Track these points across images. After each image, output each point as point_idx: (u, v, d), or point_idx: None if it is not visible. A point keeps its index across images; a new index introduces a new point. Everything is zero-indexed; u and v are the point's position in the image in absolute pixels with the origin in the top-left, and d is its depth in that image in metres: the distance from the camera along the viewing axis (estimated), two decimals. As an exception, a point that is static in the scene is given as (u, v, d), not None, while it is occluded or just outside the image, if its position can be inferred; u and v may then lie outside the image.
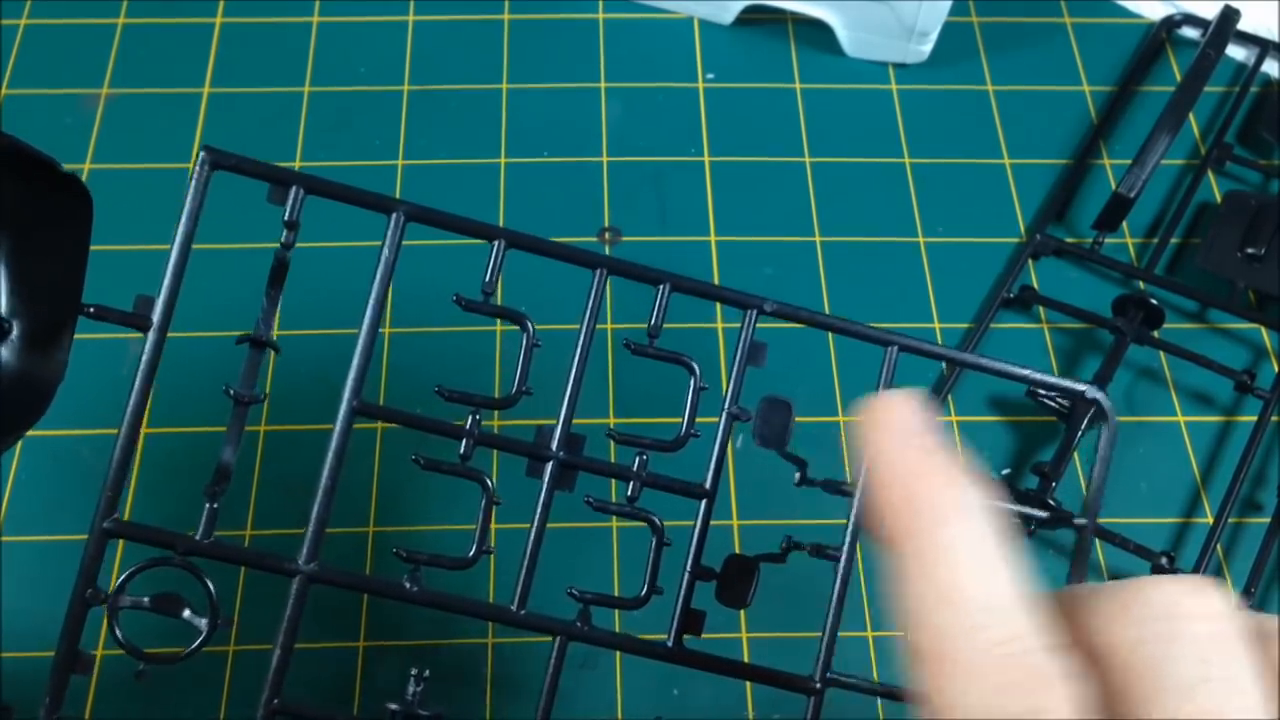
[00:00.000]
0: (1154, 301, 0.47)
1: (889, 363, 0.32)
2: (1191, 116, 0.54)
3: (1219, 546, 0.44)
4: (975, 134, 0.54)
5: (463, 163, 0.50)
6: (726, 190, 0.52)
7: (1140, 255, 0.51)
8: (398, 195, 0.49)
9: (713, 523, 0.32)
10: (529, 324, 0.31)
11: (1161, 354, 0.48)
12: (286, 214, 0.30)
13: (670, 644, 0.31)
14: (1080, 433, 0.44)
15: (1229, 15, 0.55)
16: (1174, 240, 0.51)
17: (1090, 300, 0.48)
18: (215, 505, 0.30)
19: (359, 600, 0.40)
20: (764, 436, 0.32)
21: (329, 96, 0.53)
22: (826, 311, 0.49)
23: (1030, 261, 0.50)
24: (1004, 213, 0.52)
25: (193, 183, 0.29)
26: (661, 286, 0.32)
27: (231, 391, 0.30)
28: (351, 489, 0.41)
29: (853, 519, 0.31)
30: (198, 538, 0.29)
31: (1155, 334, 0.48)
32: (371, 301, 0.30)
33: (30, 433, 0.42)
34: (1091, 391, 0.32)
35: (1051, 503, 0.42)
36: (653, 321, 0.32)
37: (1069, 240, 0.51)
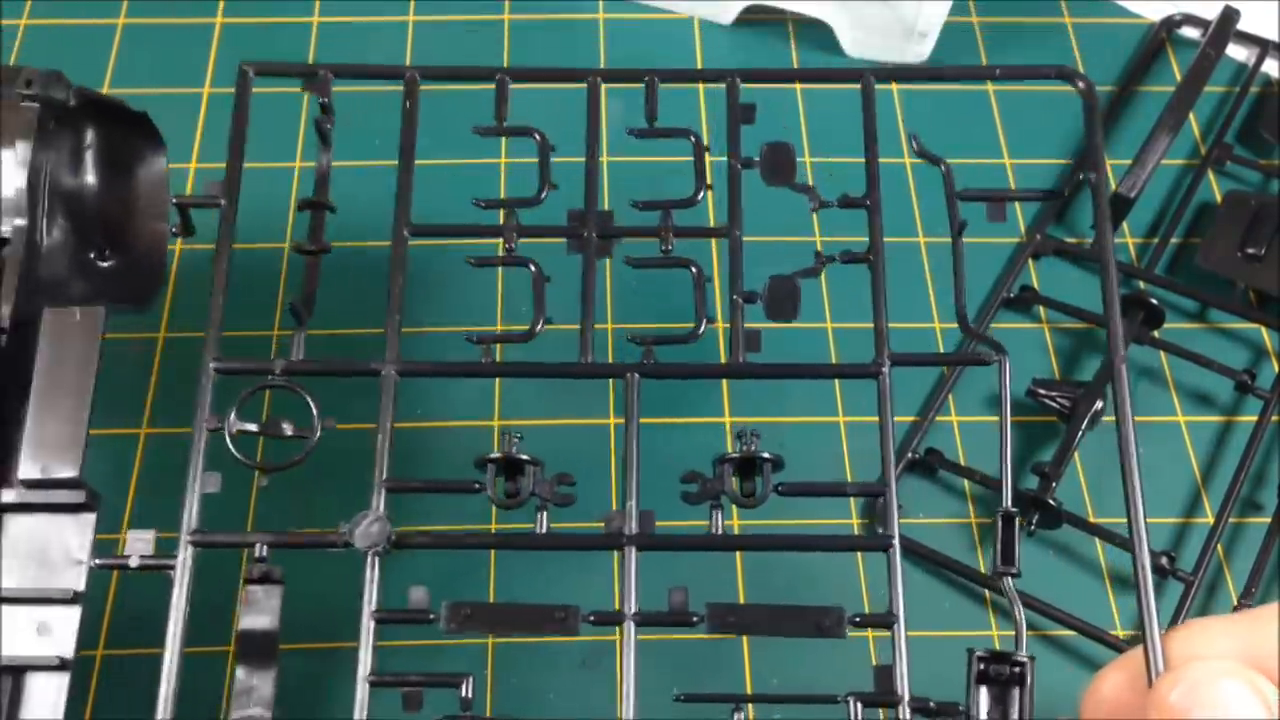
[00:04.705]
0: (1154, 301, 0.47)
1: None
2: (1191, 116, 0.54)
3: (1219, 546, 0.44)
4: (975, 134, 0.54)
5: (463, 163, 0.50)
6: (726, 190, 0.51)
7: (1140, 255, 0.51)
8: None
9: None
10: (544, 140, 0.36)
11: (1161, 354, 0.48)
12: (320, 97, 0.37)
13: (732, 360, 0.34)
14: (1080, 433, 0.44)
15: (1229, 15, 0.55)
16: (1174, 240, 0.51)
17: (1090, 300, 0.48)
18: (304, 330, 0.34)
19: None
20: (772, 173, 0.36)
21: (340, 97, 0.53)
22: (828, 315, 0.49)
23: (1030, 261, 0.50)
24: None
25: (237, 96, 0.36)
26: (649, 79, 0.37)
27: (301, 246, 0.36)
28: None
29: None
30: (291, 358, 0.33)
31: (1155, 334, 0.48)
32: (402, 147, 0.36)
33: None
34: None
35: (1051, 503, 0.42)
36: (649, 109, 0.37)
37: (1069, 240, 0.51)
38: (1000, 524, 0.31)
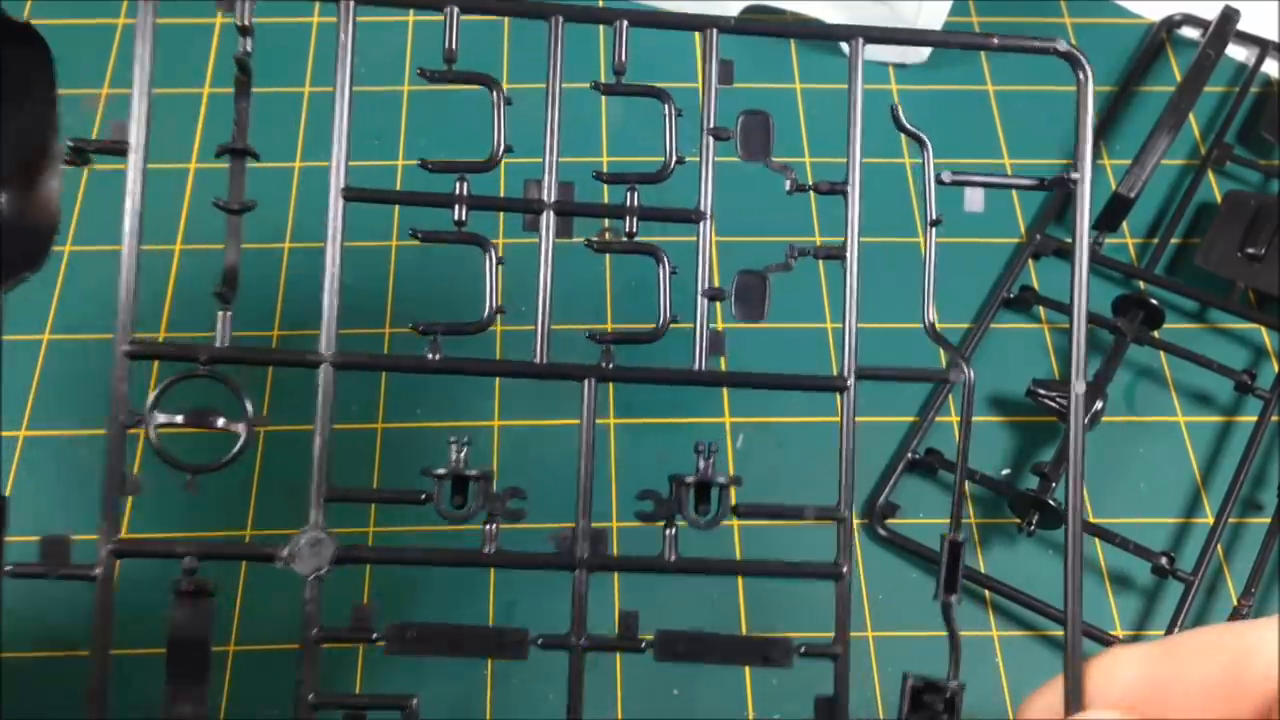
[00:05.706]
0: (1154, 301, 0.47)
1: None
2: (1191, 116, 0.54)
3: (1219, 546, 0.44)
4: (975, 134, 0.54)
5: (463, 163, 0.50)
6: (726, 190, 0.51)
7: (1140, 255, 0.51)
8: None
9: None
10: (498, 90, 0.33)
11: (1161, 354, 0.48)
12: (238, 19, 0.31)
13: (697, 368, 0.31)
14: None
15: (1229, 15, 0.55)
16: (1174, 240, 0.51)
17: (1090, 300, 0.48)
18: (229, 310, 0.30)
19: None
20: (748, 149, 0.33)
21: (330, 97, 0.52)
22: (827, 314, 0.49)
23: (1030, 261, 0.50)
24: (1004, 213, 0.52)
25: (139, 20, 0.32)
26: (618, 23, 0.34)
27: (221, 202, 0.31)
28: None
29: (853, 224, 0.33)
30: (217, 344, 0.29)
31: (1155, 334, 0.48)
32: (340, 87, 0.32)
33: (30, 433, 0.42)
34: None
35: (1051, 503, 0.42)
36: (617, 59, 0.33)
37: (1069, 240, 0.51)
38: (946, 551, 0.30)
